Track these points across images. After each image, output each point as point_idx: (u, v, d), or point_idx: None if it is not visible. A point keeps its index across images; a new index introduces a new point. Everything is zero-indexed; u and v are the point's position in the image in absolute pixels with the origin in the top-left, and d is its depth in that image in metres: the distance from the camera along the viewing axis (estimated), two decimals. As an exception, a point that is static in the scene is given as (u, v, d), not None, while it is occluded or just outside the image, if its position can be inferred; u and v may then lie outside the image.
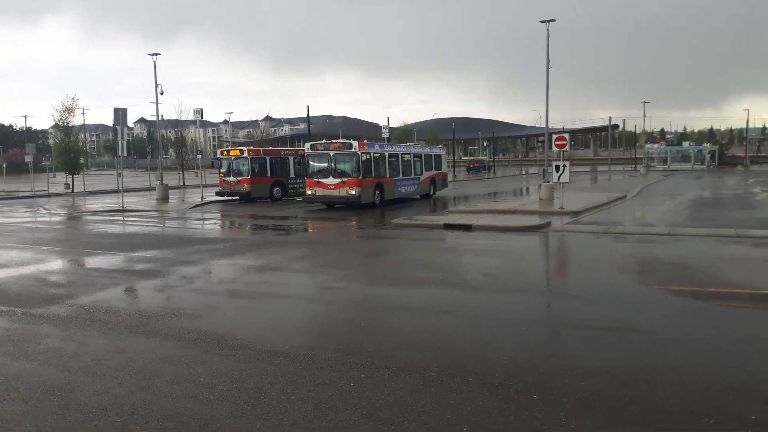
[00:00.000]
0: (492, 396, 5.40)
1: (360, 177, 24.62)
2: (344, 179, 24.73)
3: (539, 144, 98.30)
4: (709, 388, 5.57)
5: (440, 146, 38.94)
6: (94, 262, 13.53)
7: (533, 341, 7.19)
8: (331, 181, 25.01)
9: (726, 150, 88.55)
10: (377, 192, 26.07)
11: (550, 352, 6.84)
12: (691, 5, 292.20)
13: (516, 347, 6.83)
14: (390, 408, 5.20)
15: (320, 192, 25.28)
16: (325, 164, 25.43)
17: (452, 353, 6.60)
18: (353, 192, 24.53)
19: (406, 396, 5.43)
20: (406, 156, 29.72)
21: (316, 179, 25.39)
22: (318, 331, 7.77)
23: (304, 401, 5.36)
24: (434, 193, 32.15)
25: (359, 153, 24.77)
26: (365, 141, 26.68)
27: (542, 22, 31.34)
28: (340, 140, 26.45)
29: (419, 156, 31.02)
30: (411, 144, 40.02)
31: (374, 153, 26.46)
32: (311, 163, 25.88)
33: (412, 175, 29.86)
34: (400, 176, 28.53)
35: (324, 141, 27.04)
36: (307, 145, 26.58)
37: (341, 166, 25.19)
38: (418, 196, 30.42)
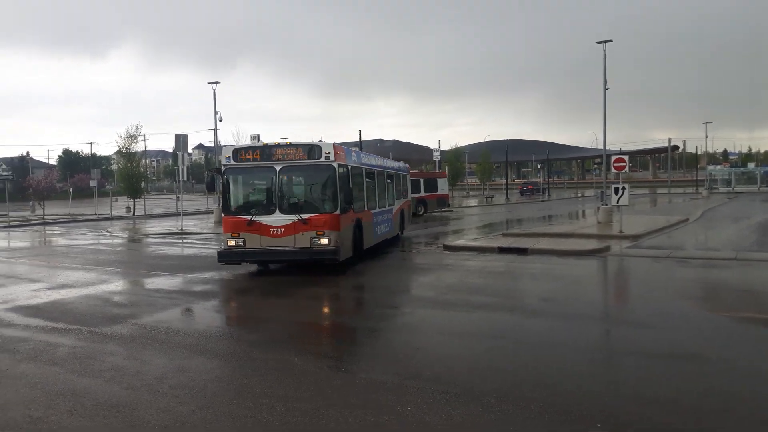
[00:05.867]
0: (554, 424, 5.25)
1: (338, 210, 13.85)
2: (304, 215, 13.64)
3: (596, 166, 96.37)
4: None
5: (402, 162, 26.58)
6: (154, 283, 13.92)
7: (595, 368, 6.98)
8: (277, 219, 13.70)
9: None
10: (356, 237, 15.44)
11: (613, 379, 6.62)
12: (752, 20, 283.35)
13: (577, 375, 6.64)
14: (448, 433, 5.12)
15: (253, 241, 13.73)
16: (266, 187, 14.30)
17: (511, 379, 6.46)
18: (325, 240, 13.54)
19: (465, 422, 5.34)
20: (381, 174, 19.38)
21: (248, 216, 13.88)
22: (374, 353, 7.74)
23: (362, 424, 5.33)
24: (402, 232, 22.98)
25: (335, 165, 13.82)
26: (340, 145, 15.08)
27: (598, 42, 30.98)
28: (295, 142, 14.20)
29: (391, 176, 21.03)
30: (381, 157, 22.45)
31: (352, 166, 15.44)
32: (236, 185, 14.54)
33: (386, 206, 19.75)
34: (377, 208, 18.28)
35: (260, 142, 15.23)
36: (228, 150, 14.54)
37: (299, 190, 14.65)
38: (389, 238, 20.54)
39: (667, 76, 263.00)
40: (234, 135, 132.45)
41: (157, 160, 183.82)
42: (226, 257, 14.04)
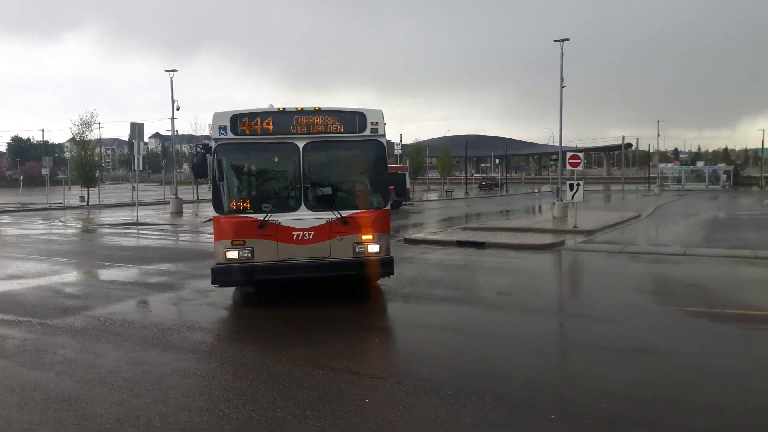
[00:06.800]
0: (510, 415, 5.35)
1: (388, 205, 10.33)
2: (344, 213, 9.72)
3: (552, 162, 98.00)
4: (731, 411, 5.49)
5: None
6: (108, 274, 13.61)
7: (550, 361, 7.14)
8: (303, 218, 9.73)
9: (741, 170, 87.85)
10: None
11: (568, 372, 6.78)
12: (705, 25, 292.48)
13: (533, 367, 6.77)
14: (406, 425, 5.17)
15: (267, 252, 9.60)
16: (284, 172, 10.24)
17: (469, 372, 6.56)
18: (375, 247, 9.84)
19: (423, 414, 5.40)
20: None
21: (258, 215, 9.64)
22: (333, 347, 7.74)
23: (319, 416, 5.34)
24: None
25: (384, 141, 10.20)
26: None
27: (556, 41, 31.41)
28: (327, 107, 10.09)
29: None
30: None
31: None
32: (237, 170, 10.34)
33: None
34: None
35: (273, 107, 10.10)
36: (222, 117, 9.75)
37: (334, 177, 10.61)
38: None
39: (622, 76, 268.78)
40: (192, 124, 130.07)
41: (112, 149, 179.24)
42: (225, 276, 9.65)
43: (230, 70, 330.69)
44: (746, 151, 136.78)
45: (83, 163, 41.98)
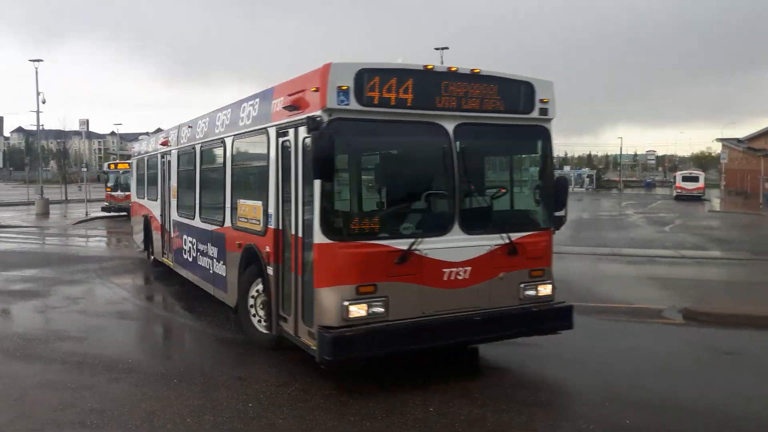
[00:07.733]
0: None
1: (551, 221, 7.07)
2: (512, 235, 6.42)
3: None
4: (591, 399, 6.01)
5: None
6: (-37, 281, 12.46)
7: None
8: (457, 246, 6.09)
9: (603, 174, 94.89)
10: None
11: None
12: (571, 43, 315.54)
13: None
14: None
15: (407, 302, 5.84)
16: (427, 169, 6.53)
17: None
18: (547, 288, 6.79)
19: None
20: None
21: (396, 242, 5.85)
22: (214, 353, 7.62)
23: (201, 423, 5.25)
24: None
25: (549, 127, 6.96)
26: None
27: (437, 49, 32.53)
28: (488, 71, 6.40)
29: None
30: None
31: None
32: (360, 163, 7.02)
33: None
34: None
35: (403, 64, 6.06)
36: (345, 69, 5.68)
37: (492, 179, 7.38)
38: None
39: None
40: (60, 119, 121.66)
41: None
42: (348, 351, 5.63)
43: (104, 62, 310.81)
44: (607, 156, 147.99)
45: (-69, 159, 38.14)
